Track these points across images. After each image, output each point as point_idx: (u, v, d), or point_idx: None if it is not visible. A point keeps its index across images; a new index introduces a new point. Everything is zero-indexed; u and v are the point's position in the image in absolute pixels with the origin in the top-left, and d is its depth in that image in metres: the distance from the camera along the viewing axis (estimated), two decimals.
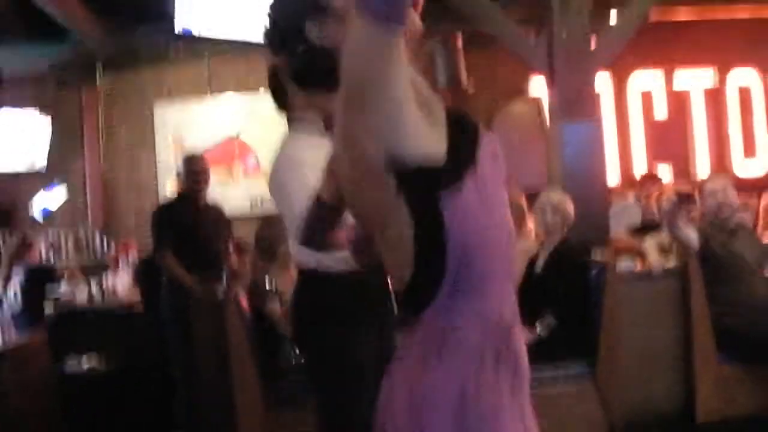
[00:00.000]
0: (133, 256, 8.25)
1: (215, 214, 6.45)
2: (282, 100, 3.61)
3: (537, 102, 10.34)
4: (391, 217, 1.69)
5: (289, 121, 3.58)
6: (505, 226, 1.77)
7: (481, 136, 1.77)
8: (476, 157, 1.71)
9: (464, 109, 1.93)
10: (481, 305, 1.68)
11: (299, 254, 3.56)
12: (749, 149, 11.08)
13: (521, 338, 1.80)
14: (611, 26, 6.72)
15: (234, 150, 10.21)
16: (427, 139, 1.64)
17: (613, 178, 9.84)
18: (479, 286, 1.67)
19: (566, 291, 5.12)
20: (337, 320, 3.53)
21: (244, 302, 5.11)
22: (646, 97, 10.88)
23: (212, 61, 10.17)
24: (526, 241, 6.06)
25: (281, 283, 5.14)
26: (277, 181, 3.36)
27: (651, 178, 8.45)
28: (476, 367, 1.66)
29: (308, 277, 3.60)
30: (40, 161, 9.77)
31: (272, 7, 1.99)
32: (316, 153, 2.99)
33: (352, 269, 3.16)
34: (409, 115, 1.62)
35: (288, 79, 2.98)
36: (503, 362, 1.70)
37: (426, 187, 1.64)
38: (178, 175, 6.49)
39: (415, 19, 1.77)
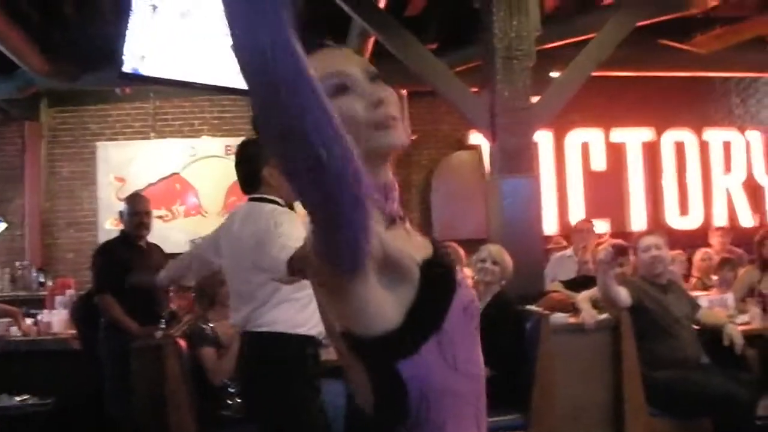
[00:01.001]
0: (71, 292, 8.19)
1: (156, 255, 6.44)
2: (249, 175, 3.98)
3: (478, 151, 10.53)
4: (350, 363, 1.64)
5: (255, 199, 3.96)
6: (473, 373, 1.70)
7: (454, 287, 1.64)
8: (443, 316, 1.61)
9: (445, 253, 1.75)
10: None
11: (251, 316, 3.87)
12: (684, 204, 11.39)
13: None
14: (552, 86, 6.90)
15: (175, 188, 10.23)
16: (382, 316, 1.54)
17: (551, 229, 10.04)
18: (440, 428, 1.61)
19: (502, 342, 5.18)
20: (292, 378, 3.80)
21: (184, 345, 5.13)
22: (585, 149, 11.16)
23: (157, 101, 10.21)
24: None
25: (220, 327, 5.16)
26: (266, 225, 3.70)
27: (586, 223, 8.61)
28: None
29: (256, 337, 3.87)
30: None
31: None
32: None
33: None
34: (366, 302, 1.52)
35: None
36: None
37: (379, 358, 1.58)
38: (120, 214, 6.48)
39: (403, 135, 1.61)
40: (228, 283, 4.24)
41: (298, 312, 3.83)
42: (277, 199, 3.88)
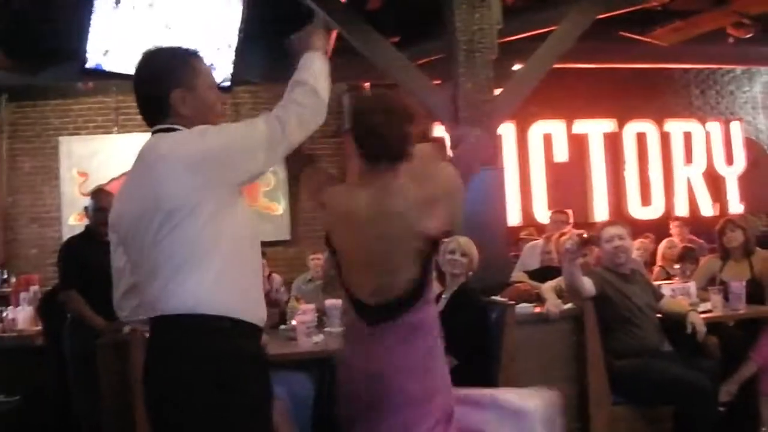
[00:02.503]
0: (35, 289, 8.14)
1: None
2: (153, 100, 2.83)
3: (441, 142, 10.55)
4: None
5: (161, 131, 2.81)
6: None
7: None
8: None
9: None
10: None
11: (161, 294, 2.65)
12: (645, 195, 11.51)
13: None
14: (514, 78, 6.94)
15: None
16: None
17: (514, 221, 10.10)
18: None
19: (467, 332, 5.21)
20: (230, 398, 2.61)
21: None
22: (547, 141, 11.25)
23: (119, 96, 10.16)
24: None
25: None
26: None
27: (561, 214, 8.64)
28: None
29: (191, 326, 2.62)
30: None
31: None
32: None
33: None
34: None
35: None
36: None
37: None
38: (85, 210, 6.43)
39: None
40: (128, 263, 2.86)
41: (226, 283, 2.65)
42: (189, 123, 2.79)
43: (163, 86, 2.78)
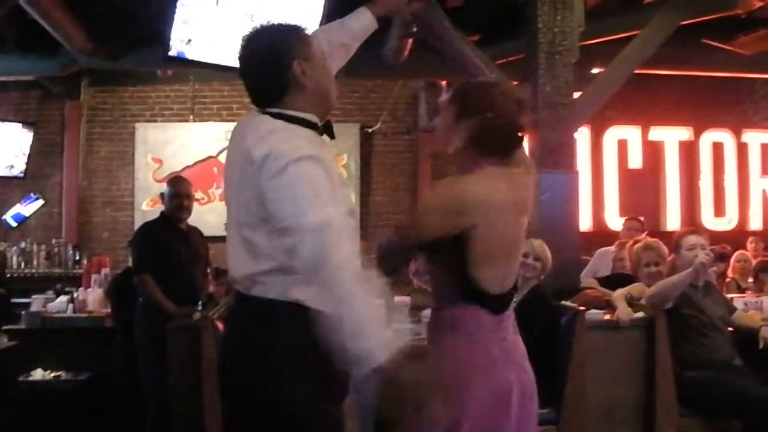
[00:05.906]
0: (106, 271, 8.26)
1: (196, 237, 6.49)
2: (270, 75, 2.62)
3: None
4: None
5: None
6: None
7: None
8: None
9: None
10: None
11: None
12: (719, 206, 11.36)
13: None
14: (594, 82, 6.88)
15: (212, 171, 10.29)
16: None
17: (585, 226, 10.03)
18: None
19: (536, 336, 5.19)
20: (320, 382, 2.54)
21: (221, 327, 5.15)
22: (622, 146, 11.16)
23: (196, 85, 10.28)
24: None
25: None
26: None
27: (635, 221, 8.54)
28: None
29: (269, 309, 2.56)
30: (19, 170, 9.84)
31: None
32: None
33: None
34: None
35: None
36: None
37: None
38: (161, 196, 6.53)
39: None
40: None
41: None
42: (307, 117, 2.61)
43: (283, 59, 2.56)
